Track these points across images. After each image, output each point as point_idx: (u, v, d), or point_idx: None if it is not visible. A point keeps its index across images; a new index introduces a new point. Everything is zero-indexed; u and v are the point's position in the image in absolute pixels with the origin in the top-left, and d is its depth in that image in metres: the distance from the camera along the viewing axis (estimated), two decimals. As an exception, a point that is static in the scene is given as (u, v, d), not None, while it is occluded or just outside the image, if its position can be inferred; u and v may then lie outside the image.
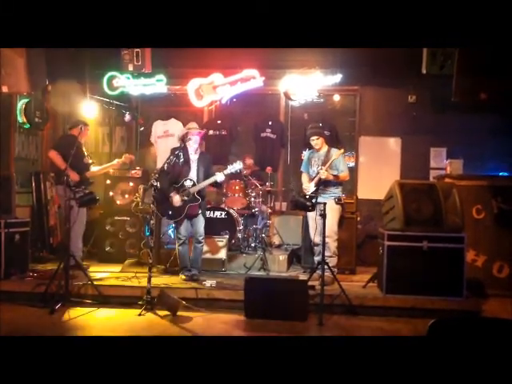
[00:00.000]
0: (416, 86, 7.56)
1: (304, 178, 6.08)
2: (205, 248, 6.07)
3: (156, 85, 7.66)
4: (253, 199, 6.96)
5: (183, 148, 5.72)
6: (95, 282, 5.39)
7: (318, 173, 5.76)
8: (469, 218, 5.75)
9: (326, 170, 5.68)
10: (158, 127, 8.02)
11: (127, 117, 7.91)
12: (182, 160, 5.69)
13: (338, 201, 5.67)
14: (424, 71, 6.40)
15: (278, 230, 7.47)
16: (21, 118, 7.08)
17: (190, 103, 7.71)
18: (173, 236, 6.69)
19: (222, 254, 6.37)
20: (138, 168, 7.42)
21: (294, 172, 7.86)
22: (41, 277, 5.64)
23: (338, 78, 7.38)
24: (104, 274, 6.06)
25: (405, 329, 4.62)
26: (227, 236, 6.53)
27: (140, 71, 7.34)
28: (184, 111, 8.14)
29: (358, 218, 6.83)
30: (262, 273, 6.23)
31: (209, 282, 5.53)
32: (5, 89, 6.01)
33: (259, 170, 7.61)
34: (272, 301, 4.81)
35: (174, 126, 7.84)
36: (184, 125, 6.68)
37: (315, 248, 5.93)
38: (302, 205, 5.44)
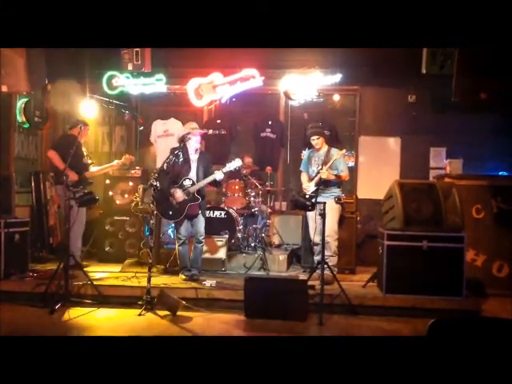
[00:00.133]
0: (416, 85, 7.56)
1: (303, 177, 6.08)
2: (204, 248, 6.07)
3: (156, 84, 7.66)
4: (252, 199, 6.96)
5: (183, 148, 5.72)
6: (95, 282, 5.39)
7: (318, 172, 5.76)
8: (468, 217, 5.76)
9: (327, 170, 5.69)
10: (158, 127, 8.02)
11: (127, 116, 7.91)
12: (181, 160, 5.69)
13: (338, 200, 5.67)
14: (424, 71, 6.40)
15: (278, 229, 7.47)
16: (20, 118, 7.05)
17: (189, 103, 7.70)
18: (173, 236, 6.68)
19: (222, 254, 6.37)
20: (137, 168, 7.40)
21: (293, 172, 7.86)
22: (41, 277, 5.63)
23: (337, 77, 7.38)
24: (104, 273, 6.05)
25: (405, 328, 4.61)
26: (227, 236, 6.52)
27: (140, 71, 7.33)
28: (184, 111, 8.13)
29: (358, 218, 6.84)
30: (261, 273, 6.23)
31: (209, 282, 5.53)
32: (4, 88, 6.00)
33: (259, 169, 7.59)
34: (272, 301, 4.81)
35: (174, 126, 7.84)
36: (183, 124, 6.67)
37: (315, 247, 5.93)
38: (301, 204, 5.45)
